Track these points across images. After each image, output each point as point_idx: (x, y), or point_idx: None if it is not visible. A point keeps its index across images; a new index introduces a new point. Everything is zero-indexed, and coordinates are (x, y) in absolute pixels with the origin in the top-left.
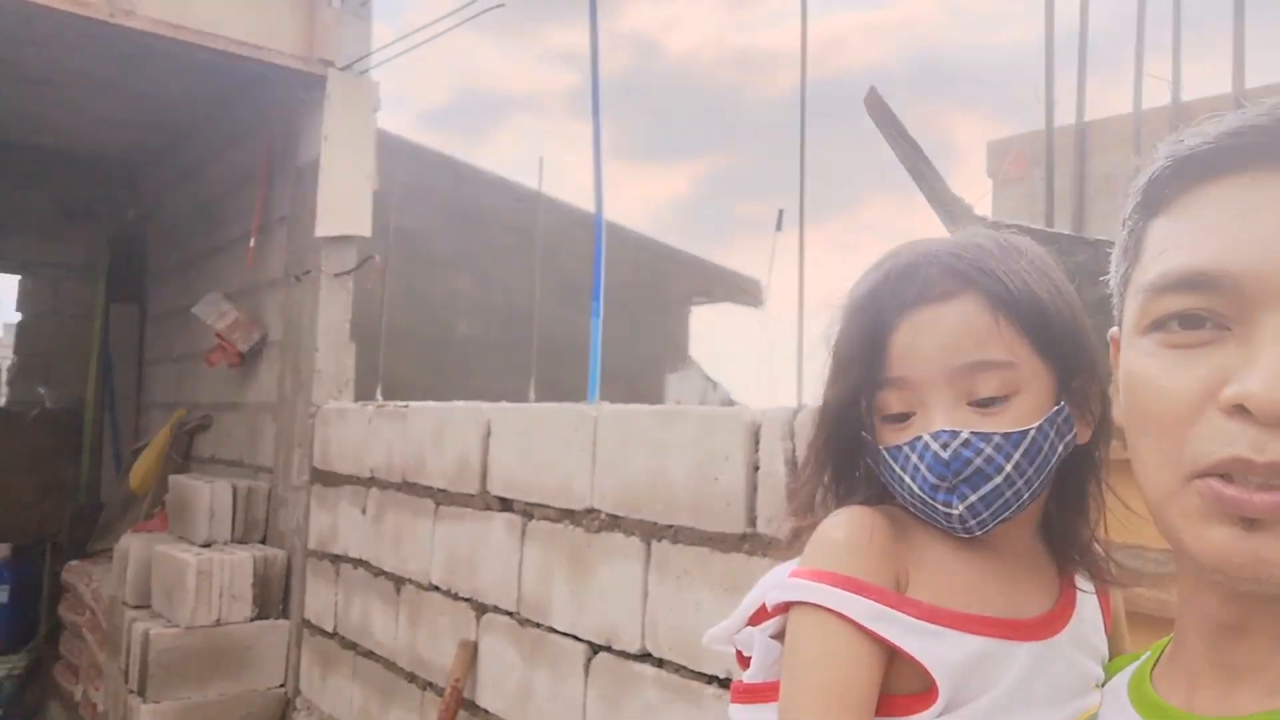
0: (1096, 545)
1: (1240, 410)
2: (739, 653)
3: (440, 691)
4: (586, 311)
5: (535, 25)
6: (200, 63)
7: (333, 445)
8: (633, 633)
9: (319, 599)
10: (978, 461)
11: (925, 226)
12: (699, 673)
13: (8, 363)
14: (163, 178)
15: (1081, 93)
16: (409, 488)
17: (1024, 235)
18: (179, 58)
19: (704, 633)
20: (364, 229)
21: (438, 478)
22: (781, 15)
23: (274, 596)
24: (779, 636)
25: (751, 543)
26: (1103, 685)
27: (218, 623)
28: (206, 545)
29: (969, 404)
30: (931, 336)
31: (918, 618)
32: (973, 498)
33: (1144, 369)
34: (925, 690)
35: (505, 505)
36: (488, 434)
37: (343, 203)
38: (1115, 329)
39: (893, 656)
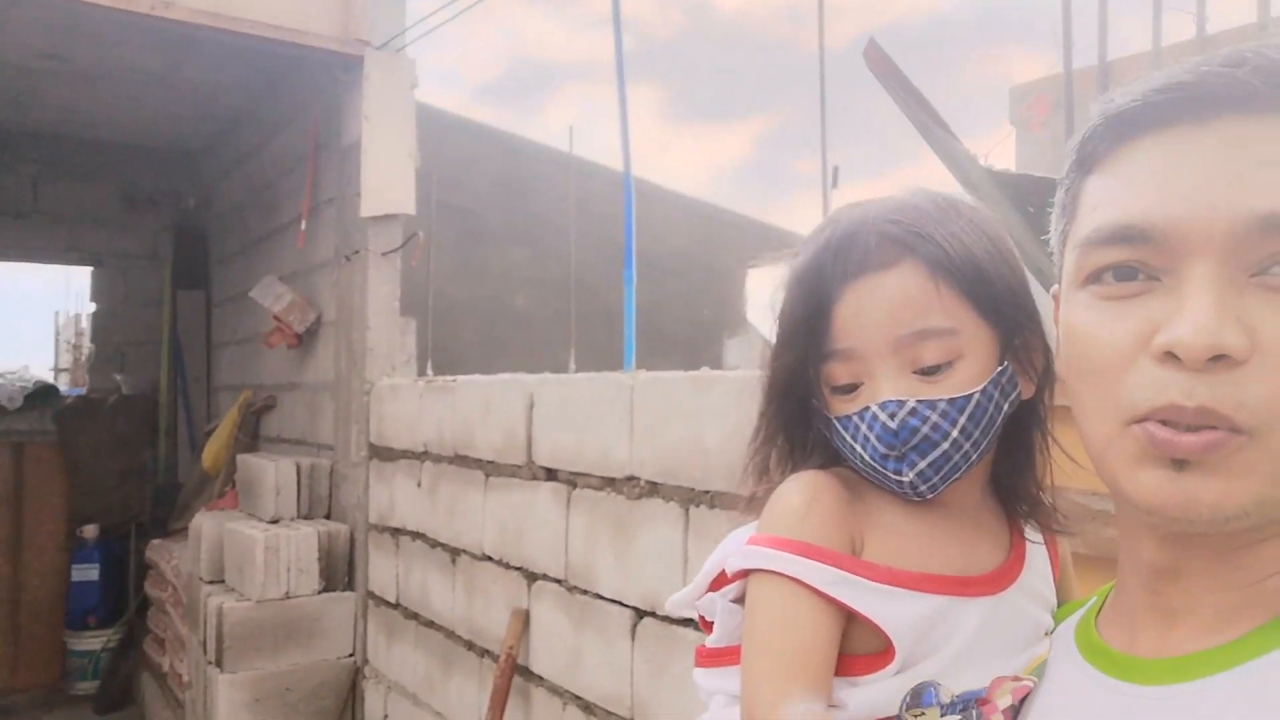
0: (1043, 496)
1: (1170, 357)
2: (702, 618)
3: (496, 659)
4: (639, 279)
5: None
6: (243, 50)
7: (387, 421)
8: None
9: (381, 571)
10: (925, 429)
11: None
12: None
13: (88, 352)
14: (219, 165)
15: (1103, 31)
16: (460, 460)
17: (1029, 179)
18: (222, 46)
19: None
20: (408, 207)
21: (486, 449)
22: None
23: (339, 570)
24: (740, 600)
25: None
26: (1051, 632)
27: (286, 596)
28: (274, 521)
29: (914, 372)
30: (874, 308)
31: (873, 580)
32: (922, 464)
33: (1082, 321)
34: (882, 650)
35: (550, 475)
36: (531, 405)
37: (386, 182)
38: (1056, 286)
39: (850, 618)
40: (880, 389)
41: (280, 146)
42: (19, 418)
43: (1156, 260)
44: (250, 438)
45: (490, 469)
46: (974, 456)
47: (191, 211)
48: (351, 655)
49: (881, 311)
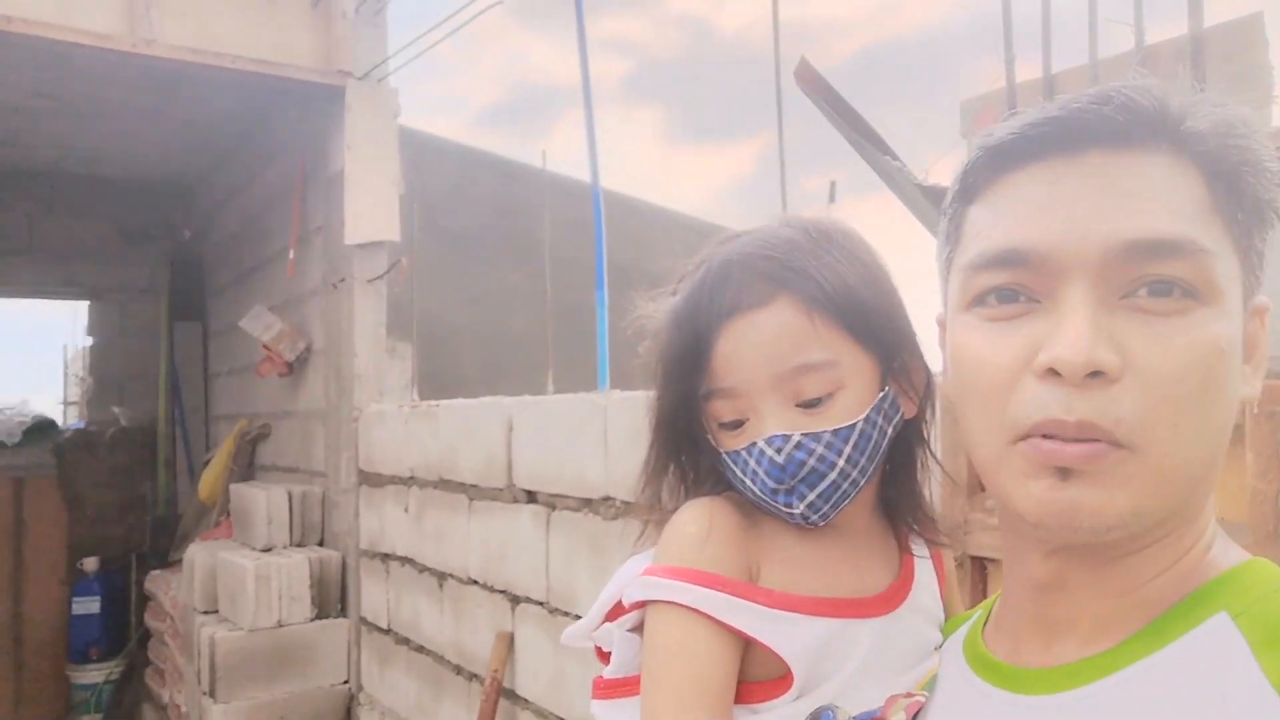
0: (927, 511)
1: (1051, 374)
2: (598, 649)
3: (484, 683)
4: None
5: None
6: (231, 84)
7: (375, 447)
8: None
9: (373, 597)
10: (811, 462)
11: None
12: None
13: (85, 385)
14: (212, 198)
15: (1047, 44)
16: (444, 484)
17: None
18: (209, 81)
19: None
20: (393, 234)
21: (469, 473)
22: None
23: (331, 596)
24: (637, 630)
25: None
26: (940, 646)
27: (279, 624)
28: (267, 550)
29: (797, 405)
30: (751, 346)
31: (770, 606)
32: (811, 496)
33: (967, 342)
34: (780, 676)
35: (531, 497)
36: (510, 428)
37: (370, 209)
38: (941, 311)
39: (748, 645)
40: (765, 425)
41: (271, 178)
42: (18, 452)
43: (1035, 283)
44: (246, 467)
45: (474, 492)
46: (861, 482)
47: (187, 244)
48: (346, 682)
49: (759, 349)
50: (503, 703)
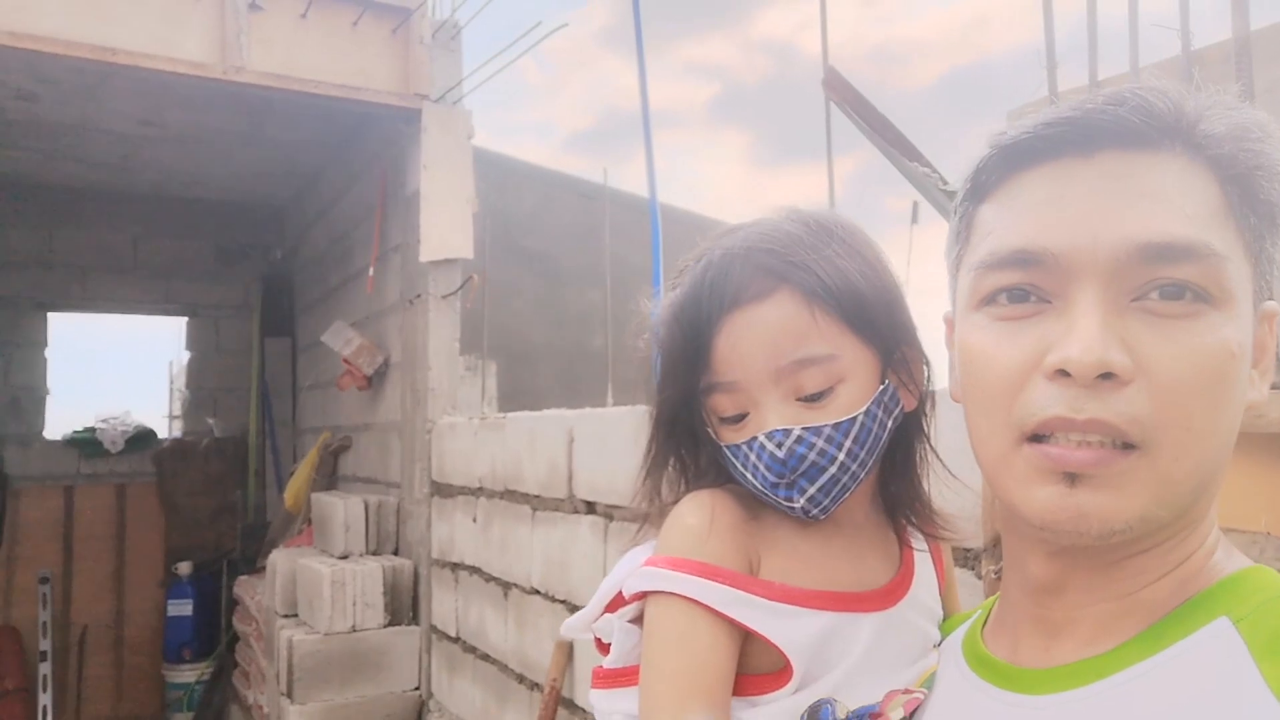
0: (925, 504)
1: (1061, 374)
2: (598, 640)
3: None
4: None
5: (669, 41)
6: (315, 108)
7: (447, 458)
8: None
9: (443, 605)
10: (812, 456)
11: None
12: None
13: (183, 397)
14: (303, 218)
15: (1093, 51)
16: (509, 495)
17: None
18: (297, 106)
19: None
20: (466, 251)
21: (532, 484)
22: (916, 6)
23: (404, 604)
24: (637, 621)
25: None
26: (939, 645)
27: (353, 629)
28: (343, 557)
29: (797, 399)
30: (753, 340)
31: (770, 599)
32: (812, 490)
33: (977, 341)
34: (780, 669)
35: (590, 508)
36: (571, 439)
37: (444, 228)
38: (949, 310)
39: (747, 637)
40: (766, 419)
41: (355, 198)
42: (121, 460)
43: (1047, 283)
44: (328, 477)
45: (537, 503)
46: (861, 475)
47: (279, 263)
48: (417, 688)
49: (760, 343)
50: (561, 711)
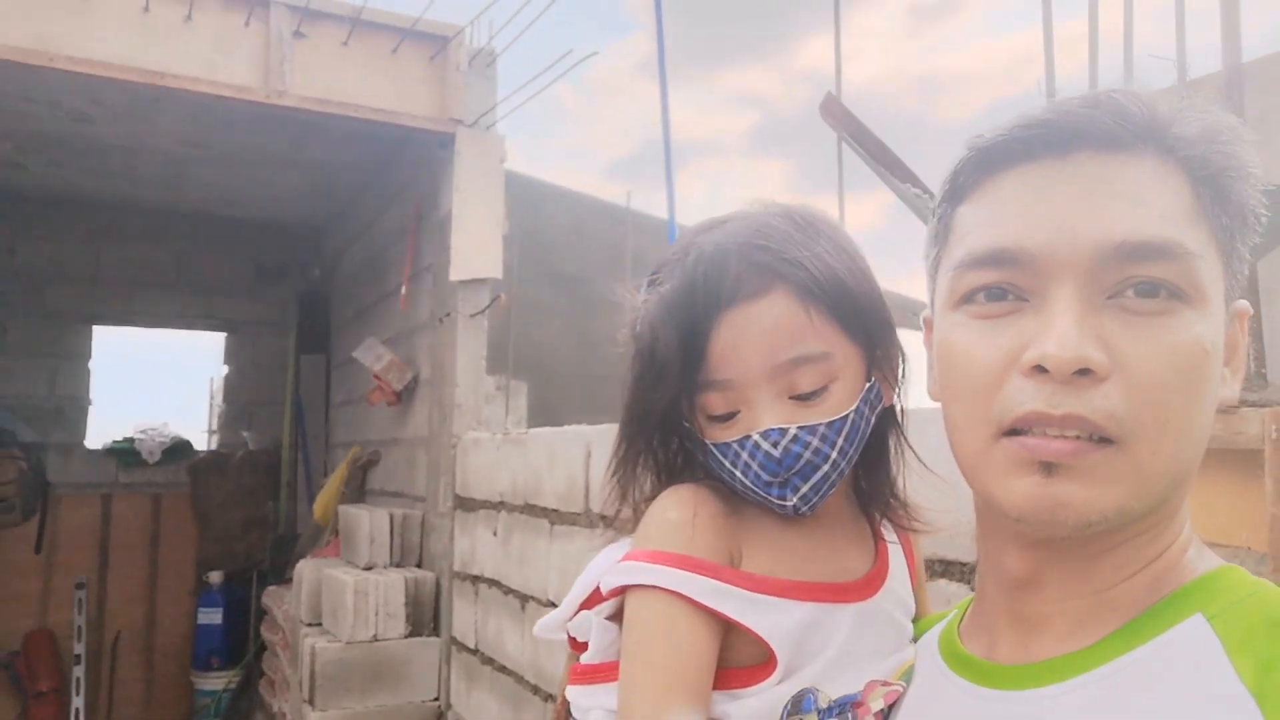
0: (899, 496)
1: (1038, 370)
2: (572, 639)
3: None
4: None
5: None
6: (357, 131)
7: (470, 473)
8: None
9: (463, 617)
10: (807, 455)
11: None
12: None
13: (219, 410)
14: (341, 238)
15: (1093, 82)
16: (529, 509)
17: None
18: (337, 129)
19: None
20: (495, 271)
21: (551, 498)
22: (962, 38)
23: (425, 615)
24: (614, 618)
25: None
26: (915, 641)
27: (375, 638)
28: (368, 568)
29: (790, 397)
30: (749, 338)
31: (752, 590)
32: (805, 488)
33: (956, 338)
34: (763, 660)
35: (607, 522)
36: (589, 454)
37: (475, 248)
38: (927, 311)
39: (728, 630)
40: (760, 417)
41: (391, 219)
42: (157, 470)
43: (1024, 282)
44: (357, 491)
45: (555, 517)
46: (847, 471)
47: (316, 281)
48: (436, 699)
49: (757, 341)
50: None
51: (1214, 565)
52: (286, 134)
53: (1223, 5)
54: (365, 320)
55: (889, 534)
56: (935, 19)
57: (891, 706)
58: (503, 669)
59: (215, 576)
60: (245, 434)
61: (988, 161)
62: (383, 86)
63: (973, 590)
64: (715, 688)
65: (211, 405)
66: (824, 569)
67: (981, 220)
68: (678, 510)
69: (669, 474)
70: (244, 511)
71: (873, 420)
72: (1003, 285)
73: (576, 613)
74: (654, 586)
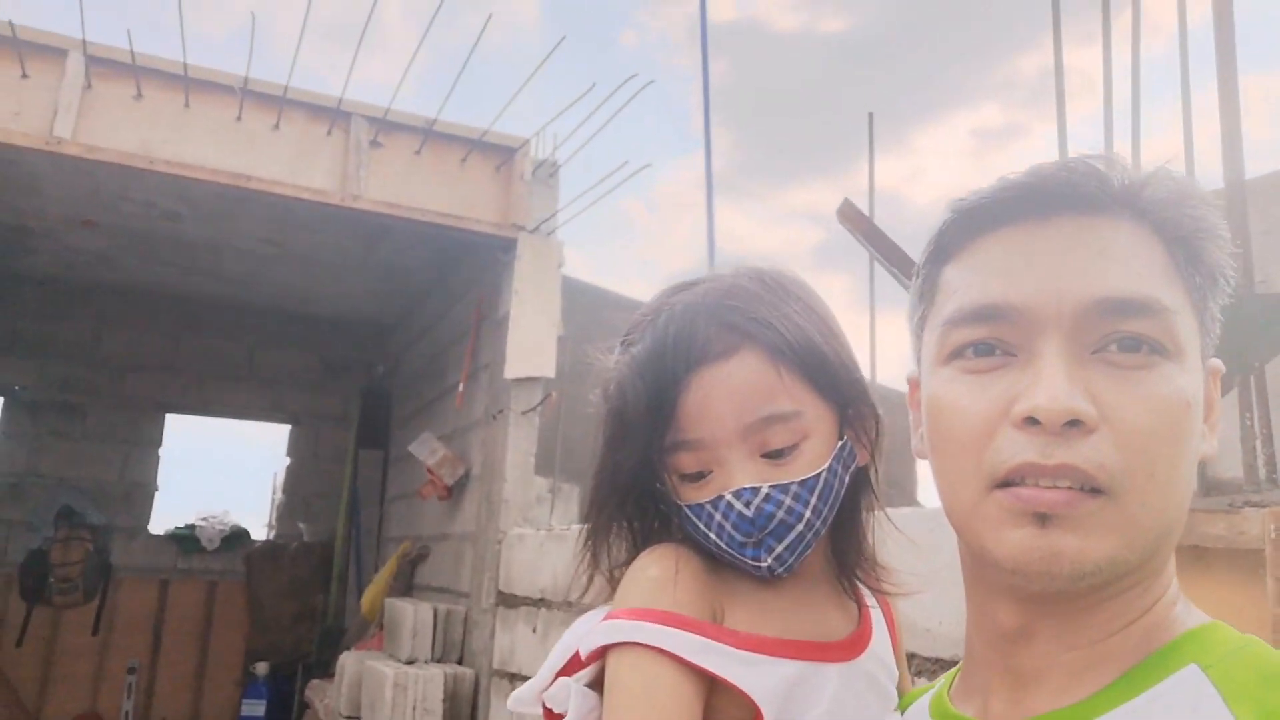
0: (870, 556)
1: (1030, 422)
2: (547, 711)
3: None
4: None
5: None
6: (422, 235)
7: (514, 568)
8: None
9: (500, 716)
10: (780, 514)
11: None
12: None
13: (278, 500)
14: (406, 337)
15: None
16: (568, 606)
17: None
18: (405, 233)
19: None
20: (549, 370)
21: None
22: (1024, 160)
23: (462, 712)
24: (594, 685)
25: None
26: (901, 712)
27: None
28: (409, 662)
29: (762, 455)
30: (720, 397)
31: (738, 648)
32: (779, 548)
33: (945, 393)
34: None
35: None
36: None
37: (530, 348)
38: (912, 371)
39: (712, 690)
40: (732, 477)
41: (453, 319)
42: (215, 558)
43: (1012, 337)
44: (406, 586)
45: None
46: (822, 530)
47: (380, 378)
48: None
49: (727, 400)
50: None
51: (1202, 620)
52: (359, 236)
53: (1223, 121)
54: (424, 417)
55: (869, 598)
56: (999, 141)
57: None
58: None
59: (262, 668)
60: (301, 525)
61: (971, 223)
62: (451, 193)
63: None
64: None
65: (273, 497)
66: (807, 628)
67: (968, 279)
68: (659, 567)
69: (645, 540)
70: (295, 603)
71: (846, 479)
72: (991, 341)
73: (553, 681)
74: (637, 644)
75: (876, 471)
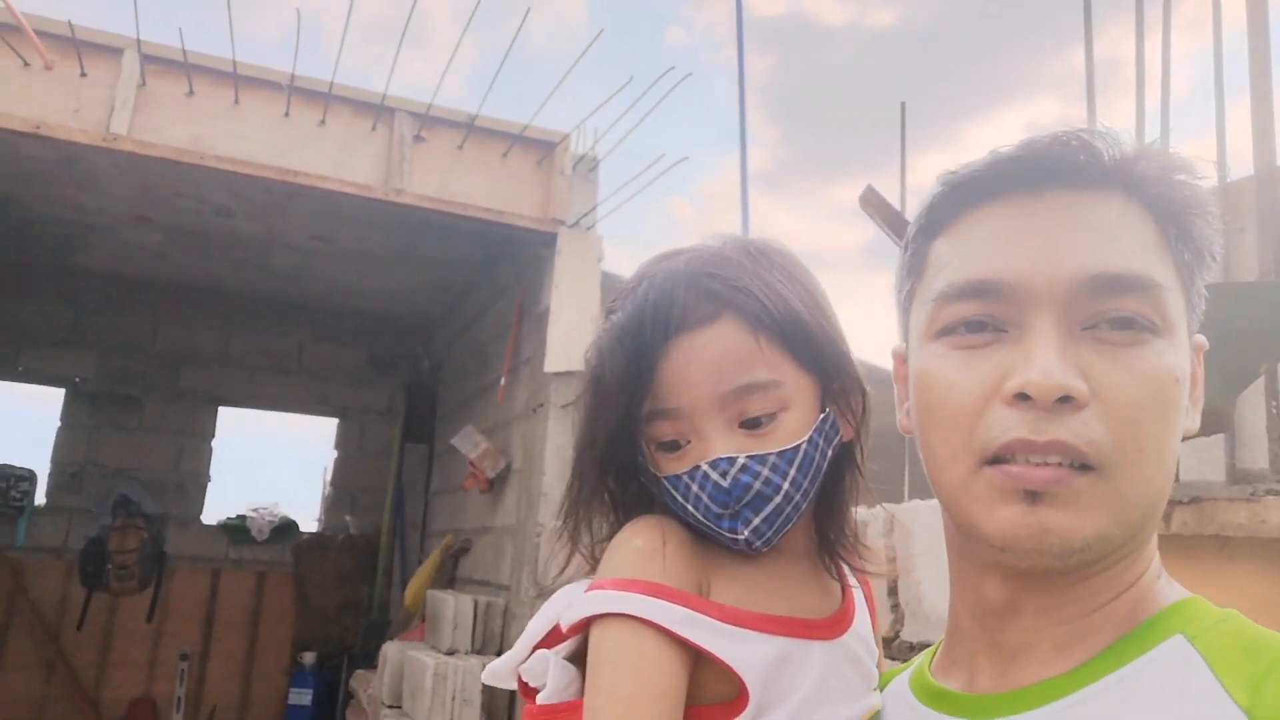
0: (851, 535)
1: (1021, 398)
2: (523, 684)
3: None
4: None
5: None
6: (465, 230)
7: (552, 562)
8: None
9: None
10: (757, 485)
11: None
12: None
13: (325, 493)
14: (450, 331)
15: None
16: None
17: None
18: (448, 227)
19: None
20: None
21: None
22: None
23: (500, 705)
24: (573, 658)
25: None
26: (881, 690)
27: None
28: (450, 653)
29: (740, 426)
30: (698, 365)
31: (724, 621)
32: (756, 520)
33: (936, 368)
34: (734, 697)
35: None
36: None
37: (569, 341)
38: (899, 345)
39: (697, 666)
40: (710, 446)
41: (496, 313)
42: (264, 548)
43: (1003, 313)
44: (448, 579)
45: None
46: (803, 505)
47: (425, 372)
48: None
49: (705, 368)
50: None
51: (1184, 594)
52: (403, 232)
53: (1254, 111)
54: (467, 411)
55: (850, 578)
56: None
57: None
58: None
59: (309, 657)
60: (348, 518)
61: (962, 197)
62: (492, 188)
63: None
64: None
65: (324, 490)
66: (792, 605)
67: (959, 254)
68: (645, 538)
69: (626, 514)
70: (341, 594)
71: (829, 453)
72: (982, 317)
73: (530, 654)
74: (623, 615)
75: (862, 449)
